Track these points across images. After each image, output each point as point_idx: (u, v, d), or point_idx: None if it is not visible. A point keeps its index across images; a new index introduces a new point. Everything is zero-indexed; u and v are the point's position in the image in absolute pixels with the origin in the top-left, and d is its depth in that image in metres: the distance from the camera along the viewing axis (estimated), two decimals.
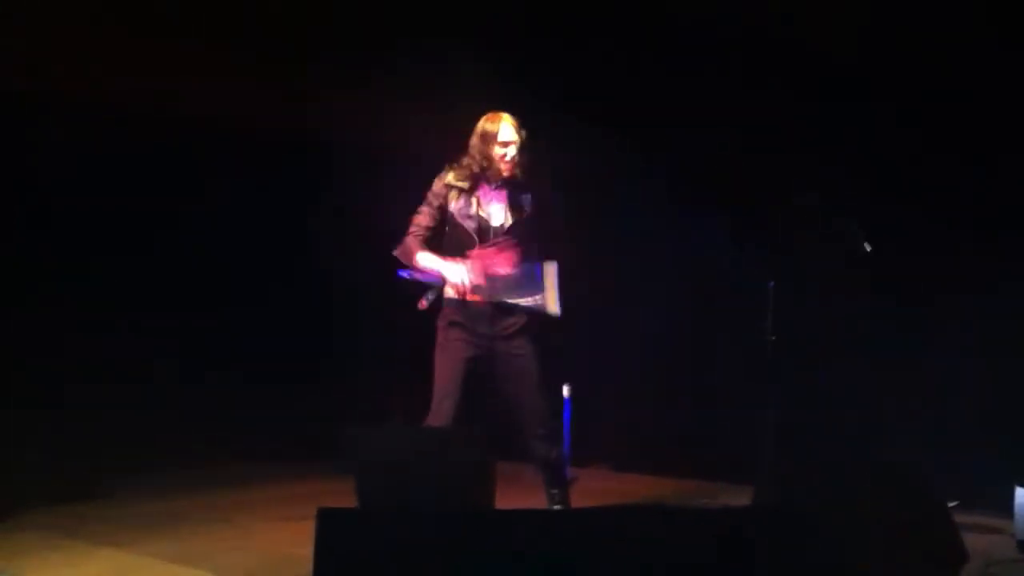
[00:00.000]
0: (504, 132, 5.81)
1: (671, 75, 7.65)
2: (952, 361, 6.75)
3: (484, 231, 5.83)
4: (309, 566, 3.70)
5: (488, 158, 5.82)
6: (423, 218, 5.91)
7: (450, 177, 5.89)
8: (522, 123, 5.86)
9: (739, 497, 6.17)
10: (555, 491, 6.01)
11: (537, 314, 5.84)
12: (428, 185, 5.96)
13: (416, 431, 5.86)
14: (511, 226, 5.84)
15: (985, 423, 6.63)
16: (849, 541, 4.37)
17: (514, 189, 5.88)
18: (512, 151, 5.80)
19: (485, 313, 5.83)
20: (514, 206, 5.87)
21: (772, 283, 6.40)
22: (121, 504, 6.99)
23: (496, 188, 5.88)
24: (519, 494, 6.38)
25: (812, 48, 7.00)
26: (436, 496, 5.05)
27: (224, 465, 8.06)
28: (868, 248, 6.27)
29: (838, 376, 7.04)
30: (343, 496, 5.40)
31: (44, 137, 7.29)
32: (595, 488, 7.47)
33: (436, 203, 5.90)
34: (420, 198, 6.00)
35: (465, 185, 5.85)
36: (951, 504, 5.09)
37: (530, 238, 5.90)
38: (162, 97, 7.58)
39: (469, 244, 5.82)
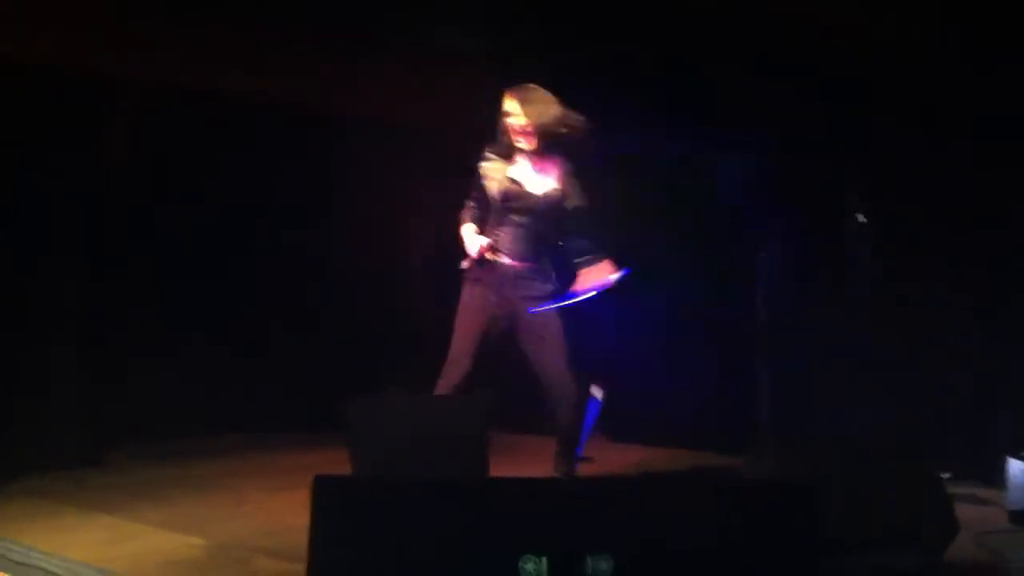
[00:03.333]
0: (507, 104, 5.94)
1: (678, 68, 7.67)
2: (945, 334, 6.78)
3: (513, 197, 5.99)
4: (304, 535, 3.74)
5: (502, 131, 5.99)
6: (471, 192, 6.12)
7: (486, 152, 6.07)
8: (542, 94, 5.97)
9: (731, 469, 6.19)
10: (563, 462, 6.05)
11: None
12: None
13: (411, 400, 5.88)
14: (536, 198, 5.99)
15: (977, 395, 6.66)
16: (841, 513, 4.40)
17: (546, 163, 6.04)
18: (514, 121, 5.91)
19: (510, 276, 5.95)
20: (542, 179, 6.02)
21: (765, 255, 6.42)
22: (117, 471, 7.04)
23: (531, 160, 6.03)
24: (518, 464, 6.40)
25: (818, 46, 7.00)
26: (430, 464, 5.09)
27: (222, 434, 8.05)
28: (863, 220, 6.30)
29: (831, 347, 7.05)
30: (341, 466, 5.41)
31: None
32: (594, 458, 7.48)
33: (477, 182, 6.07)
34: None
35: (501, 157, 6.03)
36: (943, 476, 5.11)
37: (553, 213, 6.02)
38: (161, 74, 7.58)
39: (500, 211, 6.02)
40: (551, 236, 6.05)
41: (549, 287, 5.99)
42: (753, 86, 7.36)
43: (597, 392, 6.48)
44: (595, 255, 6.03)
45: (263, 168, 8.20)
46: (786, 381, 6.63)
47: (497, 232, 6.00)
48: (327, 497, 4.06)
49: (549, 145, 6.00)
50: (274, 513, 5.85)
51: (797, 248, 6.93)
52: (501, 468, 5.51)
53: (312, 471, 4.27)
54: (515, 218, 5.99)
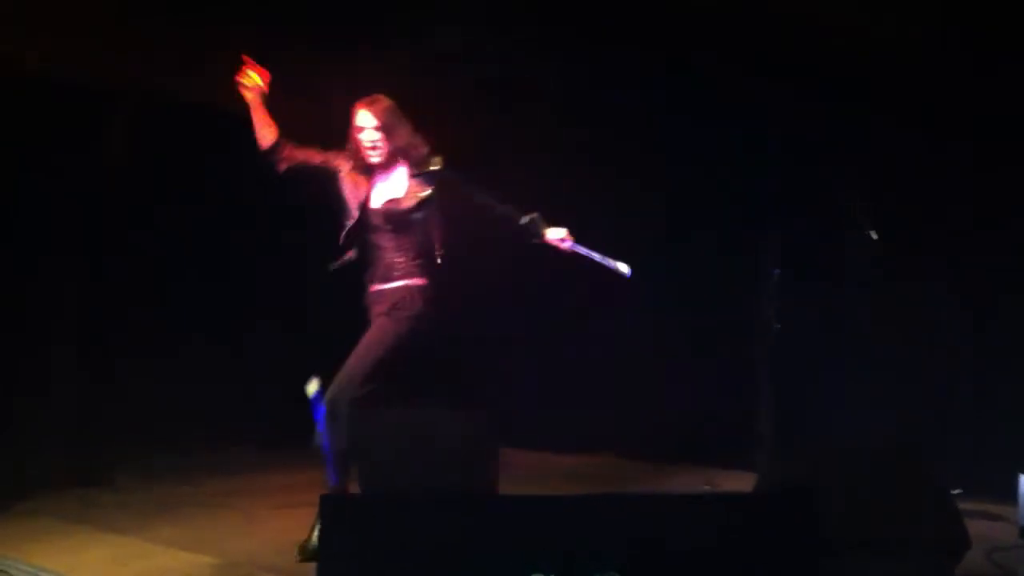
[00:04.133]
0: (358, 118, 5.69)
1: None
2: (956, 348, 6.80)
3: (367, 217, 5.74)
4: None
5: (354, 146, 5.73)
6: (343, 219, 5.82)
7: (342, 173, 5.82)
8: (390, 106, 5.73)
9: (742, 483, 6.14)
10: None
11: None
12: None
13: (418, 415, 5.83)
14: (389, 212, 5.72)
15: (988, 410, 6.67)
16: (853, 529, 4.41)
17: (415, 175, 5.75)
18: (367, 136, 5.66)
19: (381, 297, 5.74)
20: (398, 194, 5.75)
21: (777, 271, 6.43)
22: (124, 491, 7.02)
23: (384, 174, 5.80)
24: (519, 480, 6.41)
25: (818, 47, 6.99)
26: (440, 478, 5.08)
27: (224, 452, 8.04)
28: (874, 236, 6.31)
29: (841, 364, 7.05)
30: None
31: None
32: (599, 474, 7.50)
33: (329, 156, 5.82)
34: None
35: (358, 175, 5.79)
36: (954, 491, 5.07)
37: (416, 224, 5.73)
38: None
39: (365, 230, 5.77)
40: (422, 251, 5.75)
41: (417, 307, 5.68)
42: (753, 86, 7.36)
43: (312, 386, 5.61)
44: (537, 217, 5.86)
45: (263, 168, 8.19)
46: (794, 388, 6.63)
47: (366, 256, 5.79)
48: (334, 515, 4.09)
49: (410, 159, 5.76)
50: (282, 530, 5.80)
51: (801, 252, 6.93)
52: (504, 485, 5.49)
53: (320, 488, 4.28)
54: (376, 239, 5.75)
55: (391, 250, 5.72)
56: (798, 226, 7.15)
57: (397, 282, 5.71)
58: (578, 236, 5.99)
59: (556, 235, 5.91)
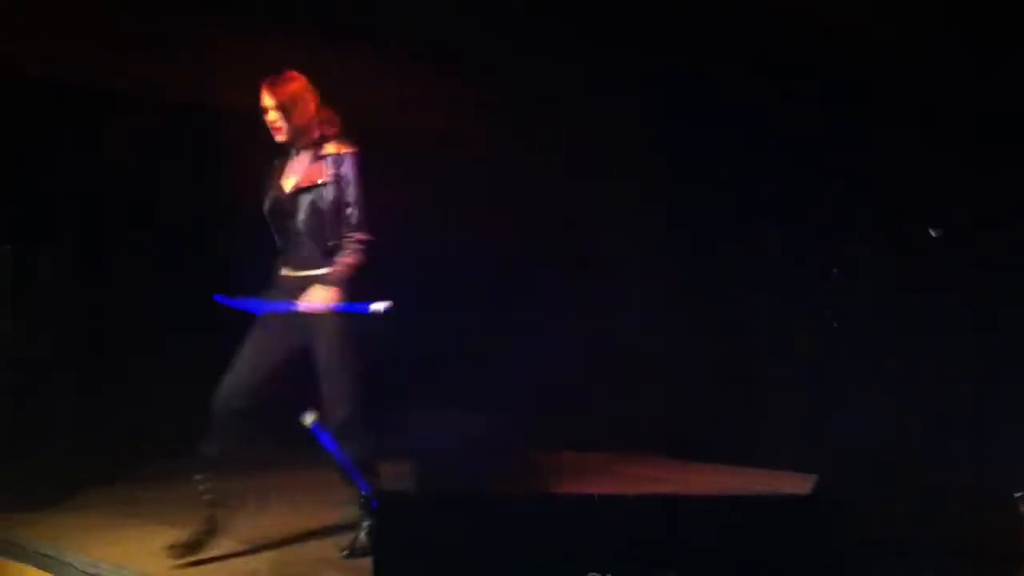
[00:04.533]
0: (262, 98, 5.40)
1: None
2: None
3: (274, 201, 5.49)
4: None
5: (267, 129, 5.47)
6: None
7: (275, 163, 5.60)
8: (293, 86, 5.41)
9: (799, 486, 6.08)
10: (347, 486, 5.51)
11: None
12: None
13: (471, 417, 5.77)
14: (292, 194, 5.44)
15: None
16: (912, 532, 4.43)
17: (319, 157, 5.47)
18: (269, 117, 5.39)
19: (292, 287, 5.42)
20: (307, 173, 5.47)
21: (837, 271, 6.47)
22: (167, 484, 6.86)
23: (304, 157, 5.52)
24: (581, 481, 6.42)
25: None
26: (487, 480, 5.09)
27: (267, 448, 7.98)
28: (934, 234, 6.36)
29: (897, 364, 7.09)
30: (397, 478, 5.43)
31: None
32: (650, 475, 7.49)
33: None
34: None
35: (277, 161, 5.56)
36: (1017, 494, 4.94)
37: (322, 212, 5.41)
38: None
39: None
40: (343, 235, 5.39)
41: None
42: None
43: (308, 418, 5.29)
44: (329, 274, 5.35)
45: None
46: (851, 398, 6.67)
47: (281, 242, 5.52)
48: (389, 513, 4.10)
49: (318, 140, 5.46)
50: (331, 525, 5.74)
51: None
52: (554, 486, 5.47)
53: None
54: (289, 224, 5.43)
55: (306, 234, 5.41)
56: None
57: (318, 269, 5.37)
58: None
59: (308, 299, 5.30)
